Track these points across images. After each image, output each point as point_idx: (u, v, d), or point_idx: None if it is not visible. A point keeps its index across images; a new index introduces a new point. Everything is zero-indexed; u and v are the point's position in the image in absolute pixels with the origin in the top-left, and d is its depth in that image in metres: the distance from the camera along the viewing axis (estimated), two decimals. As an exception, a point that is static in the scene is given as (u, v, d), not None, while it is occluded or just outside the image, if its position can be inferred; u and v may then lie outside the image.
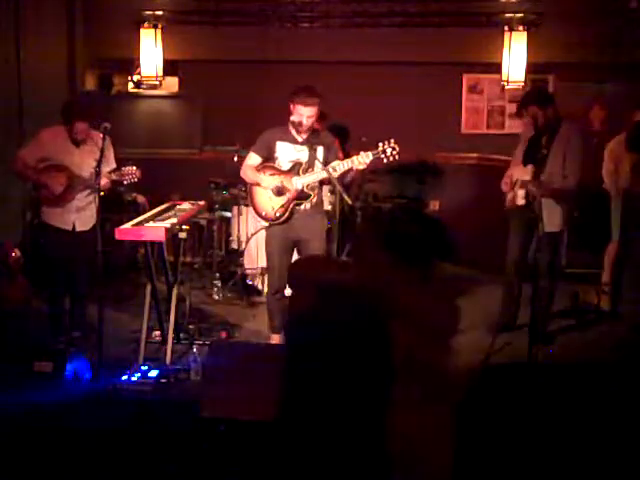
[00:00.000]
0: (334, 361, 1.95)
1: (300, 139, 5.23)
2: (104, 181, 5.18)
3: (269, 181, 5.23)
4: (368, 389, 2.01)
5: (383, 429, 1.99)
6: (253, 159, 5.32)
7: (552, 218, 5.32)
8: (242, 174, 5.41)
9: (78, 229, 5.55)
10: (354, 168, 5.07)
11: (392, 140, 5.04)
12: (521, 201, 5.37)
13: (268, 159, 5.29)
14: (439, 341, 2.14)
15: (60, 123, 5.49)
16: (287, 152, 5.25)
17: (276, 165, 5.27)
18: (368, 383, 2.00)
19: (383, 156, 5.05)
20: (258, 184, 5.27)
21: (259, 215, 5.38)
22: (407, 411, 1.98)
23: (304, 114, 5.12)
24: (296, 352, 2.02)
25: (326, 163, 5.13)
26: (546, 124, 5.42)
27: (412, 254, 2.13)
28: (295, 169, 5.21)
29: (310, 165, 5.19)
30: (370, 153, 5.03)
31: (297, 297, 2.20)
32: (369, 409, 2.02)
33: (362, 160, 5.02)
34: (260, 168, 5.29)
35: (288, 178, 5.20)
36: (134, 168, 5.41)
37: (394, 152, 5.04)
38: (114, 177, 5.38)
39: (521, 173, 5.44)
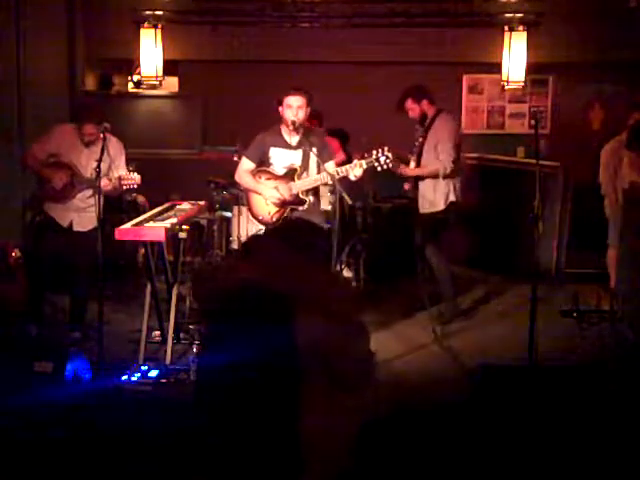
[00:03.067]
0: (246, 361, 1.94)
1: (293, 143, 5.19)
2: (104, 182, 5.18)
3: (268, 191, 5.20)
4: (280, 387, 2.00)
5: (295, 426, 1.99)
6: (247, 164, 5.31)
7: (434, 199, 5.94)
8: (237, 179, 5.40)
9: (75, 229, 5.56)
10: (349, 176, 5.08)
11: (385, 148, 5.05)
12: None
13: (262, 163, 5.28)
14: (346, 325, 2.16)
15: (73, 122, 5.56)
16: (281, 158, 5.22)
17: (270, 170, 5.24)
18: (279, 381, 2.00)
19: (377, 164, 5.05)
20: (257, 192, 5.27)
21: (256, 219, 5.38)
22: (315, 404, 1.99)
23: (293, 105, 5.07)
24: (211, 361, 2.01)
25: (319, 164, 5.12)
26: (421, 116, 5.98)
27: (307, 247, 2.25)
28: (290, 174, 5.19)
29: (305, 169, 5.18)
30: (364, 162, 5.03)
31: (206, 306, 2.22)
32: (282, 406, 2.02)
33: (356, 170, 5.03)
34: (255, 173, 5.27)
35: (284, 183, 5.18)
36: (135, 174, 5.44)
37: (387, 160, 5.05)
38: (114, 182, 5.39)
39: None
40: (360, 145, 7.16)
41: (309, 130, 5.31)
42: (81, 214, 5.56)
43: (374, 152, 5.04)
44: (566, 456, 3.78)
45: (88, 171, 5.45)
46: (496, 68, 7.97)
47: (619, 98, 7.97)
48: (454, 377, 5.05)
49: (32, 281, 5.76)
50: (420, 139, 5.94)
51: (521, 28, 7.80)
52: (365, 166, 5.03)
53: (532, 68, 7.95)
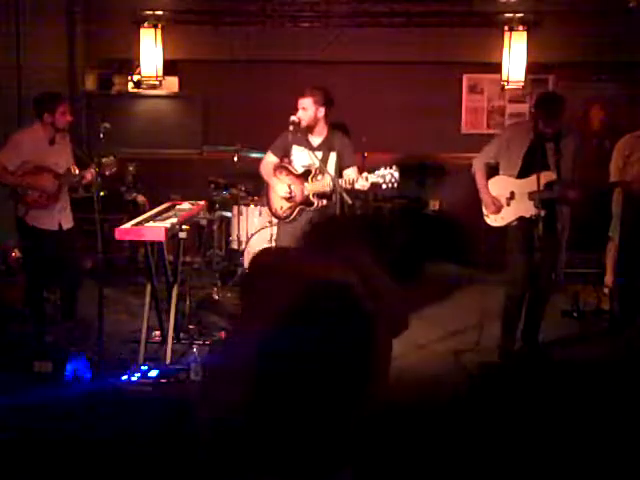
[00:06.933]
0: (317, 363, 1.86)
1: (315, 144, 5.31)
2: (89, 174, 5.40)
3: (280, 186, 5.36)
4: (346, 392, 1.95)
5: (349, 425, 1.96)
6: (270, 158, 5.48)
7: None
8: (261, 169, 5.55)
9: (64, 227, 5.54)
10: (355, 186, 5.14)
11: (394, 166, 5.03)
12: (533, 212, 5.15)
13: (284, 158, 5.44)
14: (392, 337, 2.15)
15: (32, 124, 5.47)
16: (301, 157, 5.35)
17: (291, 167, 5.40)
18: (347, 386, 1.94)
19: (382, 181, 5.04)
20: (271, 186, 5.44)
21: (270, 211, 5.59)
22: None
23: (299, 106, 5.25)
24: (274, 355, 1.91)
25: (340, 168, 5.23)
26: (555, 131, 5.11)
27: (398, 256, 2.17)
28: (305, 175, 5.32)
29: (321, 171, 5.24)
30: (372, 176, 5.08)
31: (269, 289, 2.08)
32: (342, 409, 1.97)
33: (361, 181, 5.07)
34: (277, 167, 5.43)
35: (298, 182, 5.31)
36: (111, 158, 5.48)
37: (393, 180, 5.02)
38: (93, 171, 5.39)
39: (519, 185, 5.28)
40: (360, 145, 7.19)
41: (333, 133, 5.37)
42: (63, 212, 5.55)
43: (382, 169, 5.03)
44: (566, 455, 3.78)
45: (61, 168, 5.46)
46: (496, 68, 7.97)
47: (619, 98, 7.98)
48: (454, 377, 5.05)
49: (29, 282, 5.75)
50: (554, 156, 5.13)
51: (521, 28, 7.81)
52: (371, 180, 5.06)
53: (532, 68, 7.95)
